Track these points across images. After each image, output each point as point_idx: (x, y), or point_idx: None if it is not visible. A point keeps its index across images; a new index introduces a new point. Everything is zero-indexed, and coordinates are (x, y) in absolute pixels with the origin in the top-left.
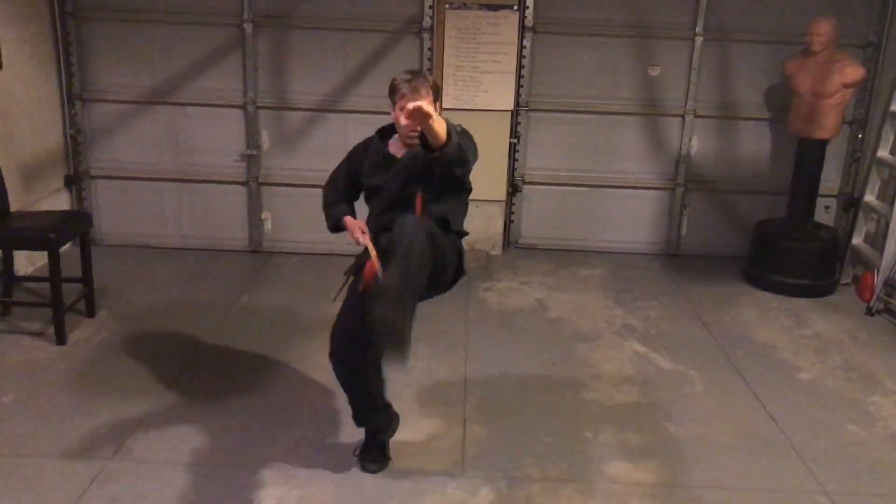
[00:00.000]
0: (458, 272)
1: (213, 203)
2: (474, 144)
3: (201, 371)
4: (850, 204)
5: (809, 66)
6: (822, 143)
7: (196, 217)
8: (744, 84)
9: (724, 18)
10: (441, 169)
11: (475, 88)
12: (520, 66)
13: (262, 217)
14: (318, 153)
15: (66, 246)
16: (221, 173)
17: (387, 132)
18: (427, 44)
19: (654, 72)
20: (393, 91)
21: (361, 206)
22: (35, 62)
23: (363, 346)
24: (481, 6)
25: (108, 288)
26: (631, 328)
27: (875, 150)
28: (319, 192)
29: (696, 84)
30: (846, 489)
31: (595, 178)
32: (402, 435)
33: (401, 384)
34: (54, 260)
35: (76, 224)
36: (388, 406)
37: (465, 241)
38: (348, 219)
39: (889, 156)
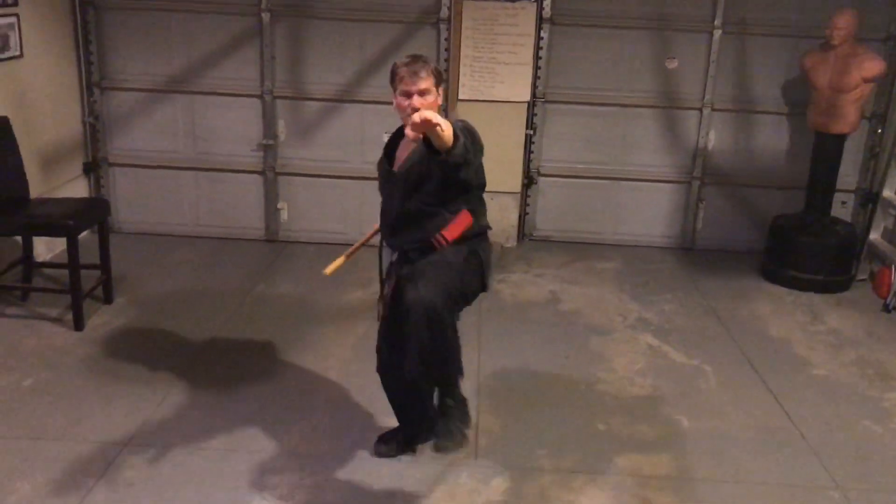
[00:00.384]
0: (482, 288)
1: (230, 192)
2: (479, 140)
3: (217, 358)
4: (868, 199)
5: (829, 60)
6: (841, 138)
7: (213, 206)
8: (762, 78)
9: (743, 11)
10: (445, 172)
11: (491, 79)
12: (537, 58)
13: (279, 206)
14: (335, 143)
15: (85, 233)
16: (238, 162)
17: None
18: (444, 34)
19: (672, 64)
20: (393, 76)
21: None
22: (54, 51)
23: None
24: None
25: (125, 275)
26: (645, 322)
27: (894, 145)
28: (336, 182)
29: (714, 77)
30: (860, 485)
31: (611, 170)
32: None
33: None
34: (73, 247)
35: (94, 211)
36: (434, 418)
37: None
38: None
39: None
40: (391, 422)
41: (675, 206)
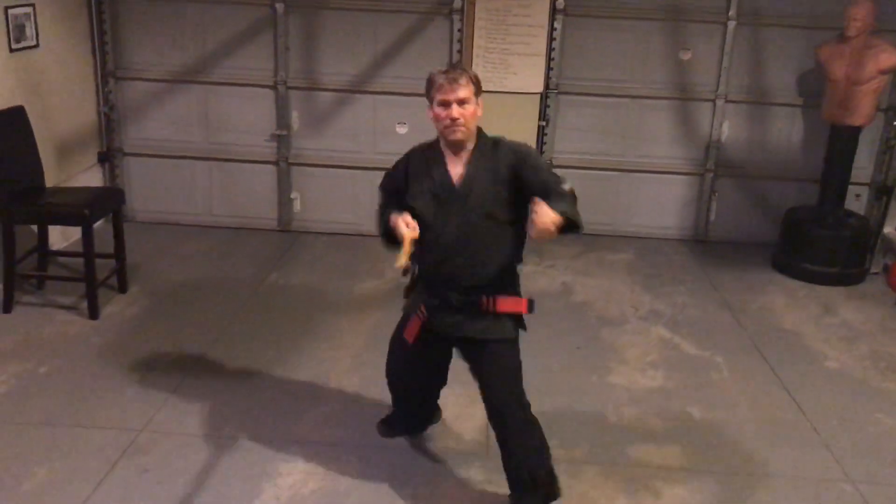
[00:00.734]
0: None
1: (243, 182)
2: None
3: (229, 347)
4: (883, 192)
5: (844, 52)
6: (856, 130)
7: (226, 196)
8: (776, 69)
9: (758, 2)
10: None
11: (504, 70)
12: (550, 49)
13: (292, 197)
14: (348, 134)
15: (99, 222)
16: (252, 153)
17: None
18: (457, 25)
19: (686, 56)
20: (430, 87)
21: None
22: (70, 40)
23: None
24: None
25: (139, 264)
26: (657, 313)
27: None
28: (349, 172)
29: (728, 69)
30: (872, 478)
31: (624, 162)
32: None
33: None
34: (88, 235)
35: (109, 200)
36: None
37: None
38: (393, 216)
39: None
40: None
41: (688, 198)
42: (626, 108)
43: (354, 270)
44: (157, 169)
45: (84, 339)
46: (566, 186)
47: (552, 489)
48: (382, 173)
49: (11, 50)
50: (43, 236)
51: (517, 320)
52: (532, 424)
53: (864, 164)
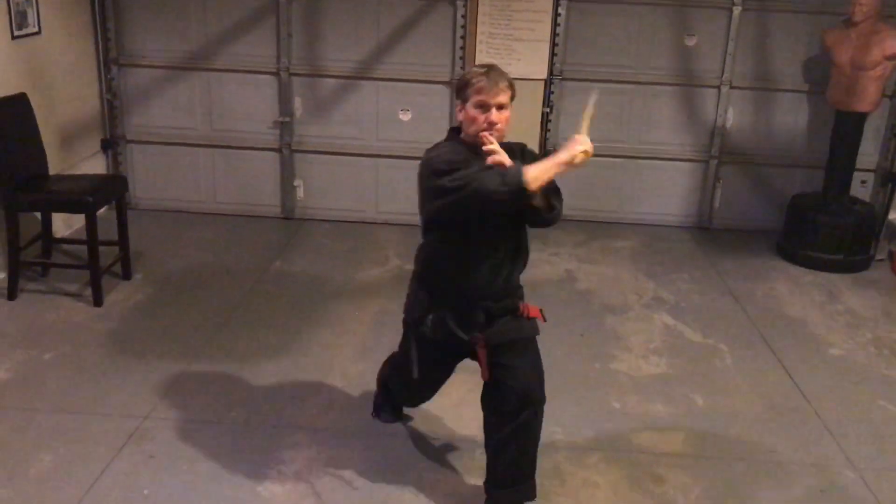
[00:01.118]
0: None
1: (247, 169)
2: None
3: (233, 334)
4: (888, 179)
5: (850, 37)
6: (861, 117)
7: (229, 183)
8: (782, 55)
9: None
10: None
11: (508, 56)
12: (554, 35)
13: (295, 184)
14: (351, 121)
15: (103, 209)
16: (255, 139)
17: (456, 136)
18: (461, 11)
19: (691, 42)
20: (466, 86)
21: None
22: (72, 27)
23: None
24: None
25: (143, 251)
26: (661, 300)
27: None
28: (352, 159)
29: (733, 55)
30: (875, 464)
31: (628, 149)
32: (432, 400)
33: None
34: (92, 223)
35: (113, 188)
36: None
37: None
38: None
39: None
40: None
41: (693, 185)
42: (631, 94)
43: (358, 258)
44: (160, 156)
45: (89, 326)
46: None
47: (532, 488)
48: (384, 160)
49: (13, 37)
50: (47, 224)
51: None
52: (540, 421)
53: (869, 151)
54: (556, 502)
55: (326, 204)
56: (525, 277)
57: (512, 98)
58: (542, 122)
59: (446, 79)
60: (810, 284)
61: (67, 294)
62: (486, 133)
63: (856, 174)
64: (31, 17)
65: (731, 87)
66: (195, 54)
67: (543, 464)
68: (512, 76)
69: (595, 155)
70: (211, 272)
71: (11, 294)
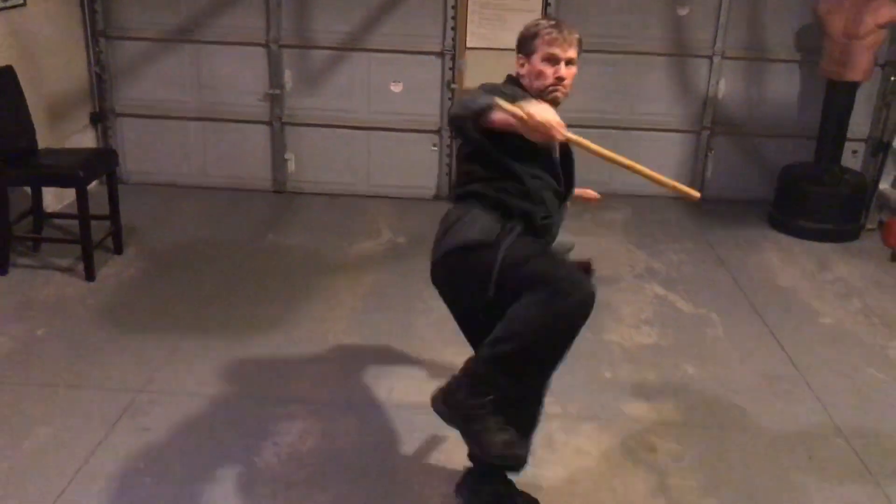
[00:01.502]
0: None
1: (237, 142)
2: None
3: (226, 307)
4: (879, 148)
5: (843, 6)
6: (853, 86)
7: (220, 156)
8: (774, 24)
9: None
10: None
11: (500, 27)
12: (546, 5)
13: (286, 157)
14: (342, 93)
15: (93, 184)
16: (245, 112)
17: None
18: None
19: (683, 11)
20: (532, 37)
21: None
22: None
23: None
24: None
25: (134, 226)
26: (653, 271)
27: None
28: (343, 132)
29: (726, 25)
30: (863, 431)
31: (619, 120)
32: (424, 372)
33: (423, 323)
34: (83, 197)
35: (103, 162)
36: None
37: None
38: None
39: None
40: (399, 369)
41: (685, 156)
42: (623, 65)
43: (350, 231)
44: (150, 130)
45: (81, 300)
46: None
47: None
48: (376, 133)
49: None
50: (37, 198)
51: None
52: None
53: (861, 121)
54: (550, 471)
55: (318, 177)
56: None
57: (579, 55)
58: None
59: (437, 49)
60: (801, 254)
61: (59, 269)
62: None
63: (847, 144)
64: None
65: (724, 58)
66: (184, 26)
67: (536, 433)
68: (504, 46)
69: (586, 126)
70: (203, 246)
71: (2, 269)
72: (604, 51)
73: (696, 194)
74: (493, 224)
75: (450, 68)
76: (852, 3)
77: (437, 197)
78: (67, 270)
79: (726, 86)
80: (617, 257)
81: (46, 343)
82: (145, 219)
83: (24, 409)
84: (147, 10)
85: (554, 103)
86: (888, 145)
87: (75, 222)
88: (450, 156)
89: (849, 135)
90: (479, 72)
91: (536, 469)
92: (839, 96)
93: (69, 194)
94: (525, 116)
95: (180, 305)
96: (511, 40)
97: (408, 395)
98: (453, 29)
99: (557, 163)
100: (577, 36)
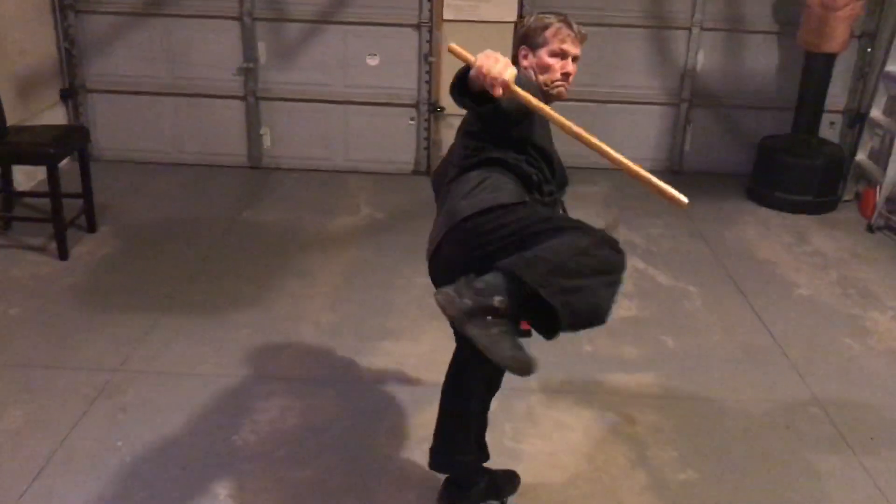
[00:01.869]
0: None
1: (211, 118)
2: None
3: (204, 285)
4: (856, 120)
5: None
6: (831, 58)
7: (194, 132)
8: None
9: None
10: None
11: None
12: None
13: (261, 132)
14: (317, 66)
15: (64, 161)
16: (219, 87)
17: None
18: None
19: None
20: (540, 30)
21: None
22: None
23: None
24: None
25: (107, 203)
26: (632, 245)
27: (884, 65)
28: (319, 106)
29: None
30: (840, 401)
31: (598, 93)
32: (404, 347)
33: (403, 299)
34: (54, 175)
35: (74, 139)
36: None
37: None
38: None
39: None
40: (378, 345)
41: (663, 129)
42: (601, 37)
43: (328, 206)
44: (122, 105)
45: (55, 280)
46: None
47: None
48: (353, 107)
49: None
50: (7, 177)
51: None
52: None
53: (838, 92)
54: (530, 444)
55: (294, 152)
56: None
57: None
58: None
59: (414, 22)
60: (779, 226)
61: (31, 248)
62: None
63: (825, 116)
64: None
65: (702, 29)
66: None
67: (516, 406)
68: (481, 18)
69: (566, 99)
70: (178, 223)
71: None
72: (582, 23)
73: (684, 200)
74: (518, 188)
75: (427, 41)
76: None
77: (415, 171)
78: (40, 250)
79: (705, 58)
80: None
81: (20, 323)
82: (119, 196)
83: None
84: None
85: (558, 98)
86: (865, 117)
87: (47, 201)
88: (428, 129)
89: (826, 106)
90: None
91: (516, 443)
92: (817, 68)
93: (40, 172)
94: (473, 62)
95: (156, 284)
96: (490, 13)
97: (387, 370)
98: (430, 1)
99: (551, 157)
100: (583, 31)
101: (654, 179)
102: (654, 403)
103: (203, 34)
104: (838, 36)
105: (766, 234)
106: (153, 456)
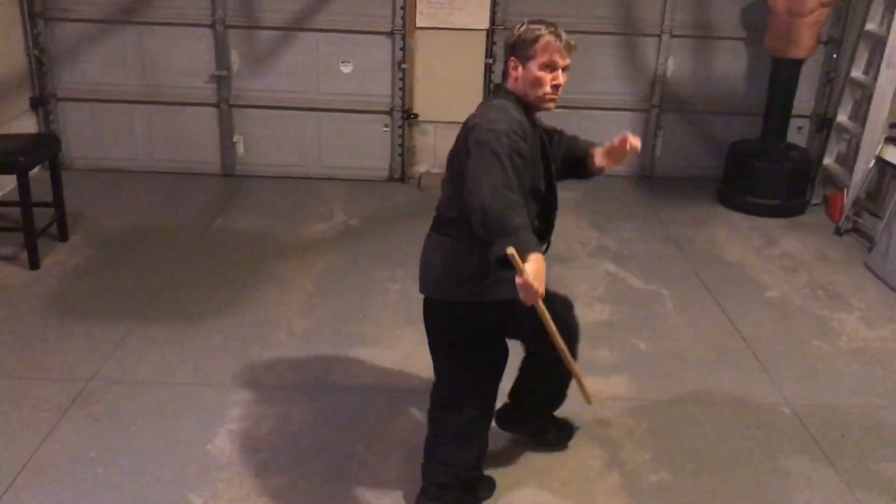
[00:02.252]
0: None
1: (184, 125)
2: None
3: (177, 293)
4: (823, 124)
5: None
6: (797, 63)
7: (167, 140)
8: (720, 2)
9: None
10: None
11: (449, 6)
12: None
13: (235, 140)
14: (291, 73)
15: (35, 170)
16: (191, 95)
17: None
18: None
19: None
20: (530, 42)
21: None
22: None
23: None
24: None
25: (79, 212)
26: (604, 249)
27: (849, 70)
28: (292, 113)
29: (673, 2)
30: (809, 400)
31: (570, 99)
32: (379, 353)
33: (378, 305)
34: (24, 184)
35: (45, 147)
36: None
37: (443, 165)
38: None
39: (862, 76)
40: (353, 351)
41: (634, 135)
42: None
43: (302, 214)
44: (93, 114)
45: (26, 289)
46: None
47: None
48: (326, 114)
49: None
50: None
51: None
52: None
53: (805, 97)
54: (505, 445)
55: (268, 160)
56: None
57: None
58: (485, 73)
59: (387, 29)
60: (749, 229)
61: (2, 258)
62: None
63: (792, 120)
64: None
65: (672, 36)
66: (126, 6)
67: None
68: (454, 26)
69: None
70: (151, 232)
71: None
72: None
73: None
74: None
75: (400, 48)
76: None
77: (390, 178)
78: (10, 259)
79: (674, 64)
80: (569, 236)
81: None
82: (91, 205)
83: None
84: None
85: (546, 110)
86: (832, 121)
87: (17, 210)
88: (402, 136)
89: (794, 111)
90: (430, 52)
91: (491, 446)
92: (784, 73)
93: (10, 181)
94: (523, 274)
95: (129, 292)
96: (462, 21)
97: (362, 376)
98: (403, 8)
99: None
100: (573, 42)
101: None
102: (627, 406)
103: (175, 42)
104: (804, 42)
105: (735, 237)
106: (127, 466)
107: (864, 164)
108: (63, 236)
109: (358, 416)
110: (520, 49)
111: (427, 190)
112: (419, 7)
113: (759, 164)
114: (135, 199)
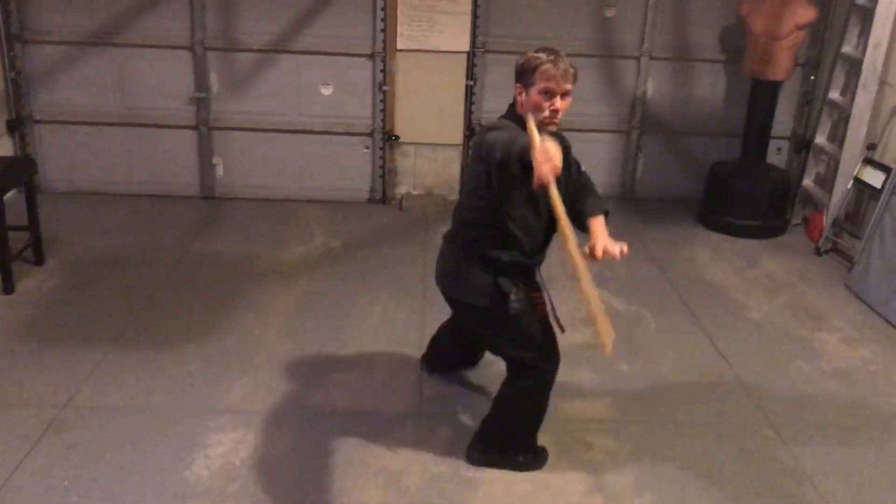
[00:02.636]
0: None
1: (163, 148)
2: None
3: (154, 318)
4: (802, 145)
5: (764, 7)
6: (776, 85)
7: (145, 162)
8: (699, 25)
9: None
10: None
11: (430, 29)
12: (476, 7)
13: (214, 162)
14: (270, 96)
15: (11, 193)
16: (170, 117)
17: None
18: None
19: (610, 13)
20: (531, 69)
21: None
22: None
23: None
24: None
25: (56, 236)
26: None
27: (826, 92)
28: (272, 135)
29: (652, 25)
30: (791, 422)
31: None
32: (359, 378)
33: (358, 329)
34: None
35: (20, 170)
36: None
37: (425, 186)
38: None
39: (840, 97)
40: (333, 375)
41: (615, 156)
42: None
43: (281, 236)
44: (71, 136)
45: (0, 315)
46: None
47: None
48: (306, 136)
49: None
50: None
51: None
52: None
53: (784, 119)
54: (487, 472)
55: (247, 182)
56: None
57: (574, 85)
58: (466, 95)
59: (367, 51)
60: (730, 250)
61: None
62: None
63: (772, 142)
64: None
65: (651, 58)
66: (104, 29)
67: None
68: (434, 48)
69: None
70: (129, 255)
71: None
72: None
73: (608, 350)
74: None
75: (381, 70)
76: (772, 5)
77: (370, 200)
78: None
79: (654, 86)
80: (551, 257)
81: None
82: (68, 229)
83: None
84: (65, 11)
85: (549, 133)
86: (810, 143)
87: None
88: (382, 158)
89: (773, 133)
90: (411, 74)
91: (474, 471)
92: (763, 95)
93: None
94: (538, 145)
95: (105, 317)
96: (442, 43)
97: (342, 401)
98: (383, 31)
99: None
100: (572, 69)
101: (599, 313)
102: (610, 428)
103: (154, 64)
104: (782, 64)
105: (717, 258)
106: (102, 495)
107: (843, 184)
108: (38, 260)
109: (337, 441)
110: (523, 76)
111: (408, 211)
112: (400, 29)
113: (739, 185)
114: (112, 222)
